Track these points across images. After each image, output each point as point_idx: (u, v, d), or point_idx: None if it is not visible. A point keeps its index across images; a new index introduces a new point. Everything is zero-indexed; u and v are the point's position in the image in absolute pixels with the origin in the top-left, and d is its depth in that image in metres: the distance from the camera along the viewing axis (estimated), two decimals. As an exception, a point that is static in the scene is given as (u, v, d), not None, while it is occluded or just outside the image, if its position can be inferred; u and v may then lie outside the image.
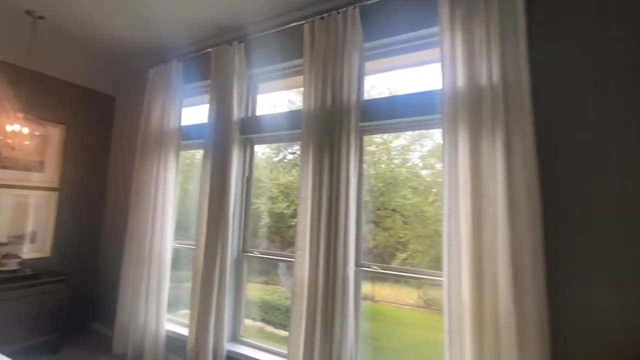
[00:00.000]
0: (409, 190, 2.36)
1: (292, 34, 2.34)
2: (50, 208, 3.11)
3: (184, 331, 2.55)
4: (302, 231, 1.98)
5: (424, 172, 2.40)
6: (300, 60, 2.30)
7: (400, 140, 2.42)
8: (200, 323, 2.34)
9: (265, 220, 2.78)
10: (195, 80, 2.92)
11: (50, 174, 3.11)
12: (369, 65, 2.23)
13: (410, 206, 2.30)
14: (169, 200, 2.76)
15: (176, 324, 2.84)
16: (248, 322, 2.63)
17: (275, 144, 2.82)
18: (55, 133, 3.13)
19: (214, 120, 2.55)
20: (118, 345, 2.77)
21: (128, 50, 3.11)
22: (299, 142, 2.20)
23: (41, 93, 2.94)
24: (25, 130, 2.52)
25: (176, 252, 2.93)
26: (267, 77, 2.68)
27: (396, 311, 2.34)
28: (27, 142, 2.54)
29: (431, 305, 2.21)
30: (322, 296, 1.87)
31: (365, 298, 2.11)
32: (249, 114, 2.66)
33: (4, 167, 2.80)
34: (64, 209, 3.19)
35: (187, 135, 2.87)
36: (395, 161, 2.48)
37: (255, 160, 2.72)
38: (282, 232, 2.79)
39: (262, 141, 2.64)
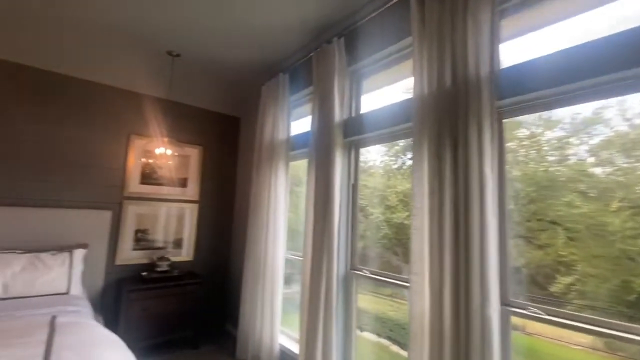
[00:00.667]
0: (575, 195, 1.69)
1: (396, 10, 1.97)
2: (192, 218, 3.60)
3: (297, 348, 2.42)
4: (417, 251, 1.53)
5: (597, 171, 1.68)
6: (408, 40, 1.90)
7: (555, 132, 1.76)
8: (308, 346, 2.15)
9: (384, 230, 2.50)
10: (301, 89, 2.87)
11: (192, 189, 3.61)
12: (505, 24, 1.64)
13: (580, 216, 1.62)
14: (280, 210, 2.75)
15: (290, 338, 2.77)
16: (371, 337, 2.39)
17: (393, 150, 2.49)
18: (194, 153, 3.63)
19: (316, 125, 2.39)
20: (240, 351, 2.89)
21: (247, 73, 3.37)
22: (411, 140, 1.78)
23: (180, 120, 3.47)
24: (169, 152, 2.96)
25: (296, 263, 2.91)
26: (371, 69, 2.36)
27: (561, 351, 1.66)
28: (170, 162, 2.99)
29: (616, 351, 1.54)
30: (450, 342, 1.37)
31: (514, 328, 1.51)
32: (352, 114, 2.39)
33: (159, 184, 3.39)
34: (202, 219, 3.65)
35: (296, 146, 2.83)
36: (551, 158, 1.81)
37: (373, 169, 2.44)
38: (403, 243, 2.45)
39: (367, 143, 2.32)
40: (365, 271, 2.18)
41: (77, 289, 2.41)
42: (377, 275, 2.11)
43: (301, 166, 3.24)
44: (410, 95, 1.76)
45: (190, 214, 3.59)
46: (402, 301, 2.43)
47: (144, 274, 3.05)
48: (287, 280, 3.18)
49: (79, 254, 2.60)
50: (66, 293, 2.31)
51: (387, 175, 2.62)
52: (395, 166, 2.64)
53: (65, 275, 2.37)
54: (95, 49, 2.85)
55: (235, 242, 3.74)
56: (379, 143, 2.29)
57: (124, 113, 3.17)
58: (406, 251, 2.38)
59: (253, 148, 3.28)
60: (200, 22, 2.51)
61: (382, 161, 2.62)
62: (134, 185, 3.23)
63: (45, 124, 2.80)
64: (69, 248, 2.60)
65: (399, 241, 2.49)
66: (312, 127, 2.44)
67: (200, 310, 3.16)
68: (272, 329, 2.62)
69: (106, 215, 3.01)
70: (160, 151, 2.90)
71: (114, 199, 3.09)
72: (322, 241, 2.16)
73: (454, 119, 1.50)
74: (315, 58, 2.49)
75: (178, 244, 3.49)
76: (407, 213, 2.39)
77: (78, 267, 2.52)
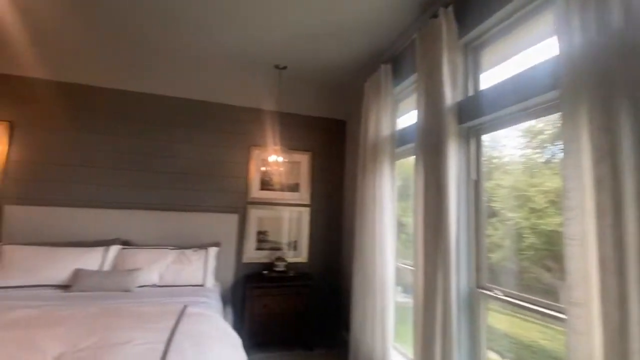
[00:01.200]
0: None
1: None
2: (305, 221, 3.72)
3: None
4: (578, 271, 1.05)
5: None
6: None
7: None
8: (423, 373, 1.82)
9: (529, 239, 1.98)
10: (405, 78, 2.57)
11: (303, 193, 3.75)
12: None
13: None
14: (387, 214, 2.51)
15: (404, 357, 2.46)
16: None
17: (538, 139, 1.93)
18: (304, 159, 3.77)
19: (422, 114, 2.06)
20: (352, 361, 2.75)
21: (350, 73, 3.30)
22: (560, 115, 1.28)
23: (289, 128, 3.66)
24: (280, 159, 3.14)
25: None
26: (490, 36, 1.87)
27: None
28: (281, 169, 3.16)
29: None
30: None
31: None
32: (469, 94, 1.95)
33: (275, 190, 3.64)
34: (314, 222, 3.74)
35: (403, 141, 2.54)
36: None
37: (509, 165, 1.96)
38: (557, 256, 1.89)
39: (491, 127, 1.84)
40: (497, 292, 1.71)
41: (210, 282, 2.78)
42: (516, 299, 1.62)
43: (412, 164, 2.90)
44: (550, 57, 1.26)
45: (303, 217, 3.72)
46: (558, 328, 1.83)
47: (264, 272, 3.31)
48: (407, 289, 2.87)
49: (213, 251, 3.01)
50: (202, 285, 2.69)
51: (531, 171, 2.06)
52: (542, 160, 2.07)
53: (202, 270, 2.77)
54: (223, 76, 3.33)
55: (345, 246, 3.66)
56: (508, 126, 1.77)
57: (246, 127, 3.57)
58: (563, 267, 1.77)
59: (357, 149, 3.15)
60: (304, 31, 2.58)
61: (522, 154, 2.07)
62: (255, 191, 3.57)
63: (191, 144, 3.40)
64: (205, 246, 3.04)
65: (550, 252, 1.92)
66: (418, 117, 2.12)
67: (314, 311, 3.19)
68: (383, 345, 2.38)
69: (234, 218, 3.41)
70: (273, 159, 3.10)
71: (239, 204, 3.49)
72: (436, 252, 1.81)
73: (635, 70, 0.97)
74: (419, 38, 2.17)
75: (294, 245, 3.66)
76: (560, 218, 1.78)
77: (212, 263, 2.91)
